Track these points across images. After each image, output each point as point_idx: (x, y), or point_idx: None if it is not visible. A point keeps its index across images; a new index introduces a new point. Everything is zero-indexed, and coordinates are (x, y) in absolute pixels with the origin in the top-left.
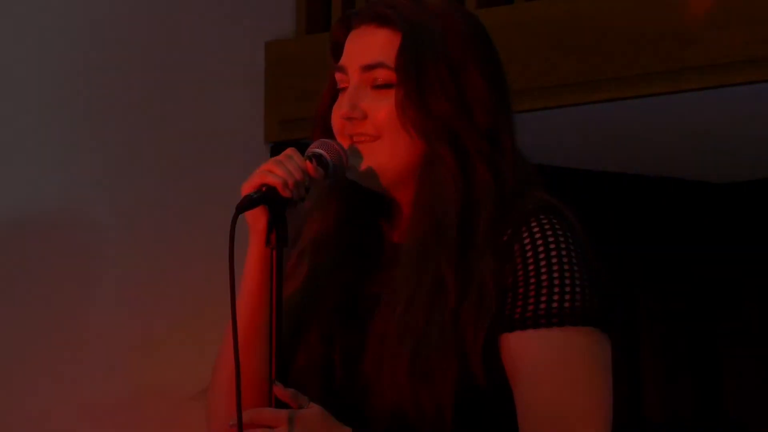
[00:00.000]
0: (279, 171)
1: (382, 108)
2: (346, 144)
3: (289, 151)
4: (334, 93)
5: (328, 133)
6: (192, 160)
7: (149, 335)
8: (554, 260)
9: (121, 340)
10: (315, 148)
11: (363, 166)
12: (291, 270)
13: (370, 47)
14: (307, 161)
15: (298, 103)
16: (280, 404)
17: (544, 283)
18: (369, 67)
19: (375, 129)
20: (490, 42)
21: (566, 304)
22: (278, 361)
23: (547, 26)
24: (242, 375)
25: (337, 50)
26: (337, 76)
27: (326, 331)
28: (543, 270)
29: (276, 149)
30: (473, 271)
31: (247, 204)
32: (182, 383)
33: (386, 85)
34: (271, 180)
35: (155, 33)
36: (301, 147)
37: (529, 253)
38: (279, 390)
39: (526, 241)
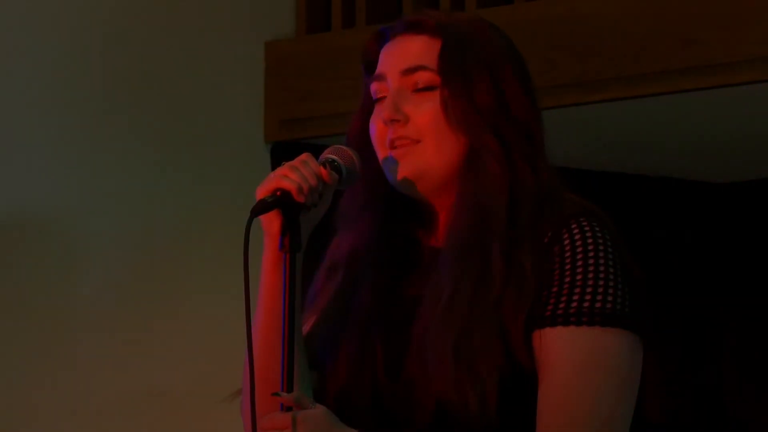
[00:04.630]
0: (294, 176)
1: (425, 111)
2: (385, 153)
3: (304, 156)
4: (369, 108)
5: (364, 148)
6: (192, 160)
7: (145, 334)
8: (591, 261)
9: (114, 339)
10: (329, 154)
11: (405, 173)
12: (322, 285)
13: (408, 53)
14: (322, 167)
15: (298, 103)
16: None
17: (579, 283)
18: (410, 71)
19: (417, 132)
20: (517, 49)
21: (598, 305)
22: (291, 364)
23: (547, 26)
24: (265, 379)
25: (371, 67)
26: (375, 86)
27: (366, 341)
28: (579, 270)
29: (276, 149)
30: (514, 263)
31: (261, 208)
32: (176, 383)
33: (428, 88)
34: (286, 184)
35: (155, 33)
36: (301, 147)
37: (568, 254)
38: (284, 398)
39: (566, 242)
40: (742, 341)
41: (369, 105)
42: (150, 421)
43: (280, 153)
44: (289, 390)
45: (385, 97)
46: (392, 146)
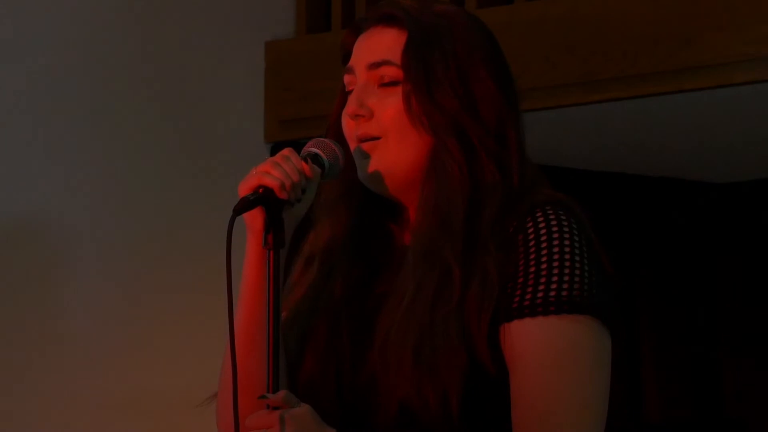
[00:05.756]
0: (276, 172)
1: (389, 105)
2: (354, 147)
3: (286, 151)
4: (345, 98)
5: (341, 139)
6: (192, 160)
7: (137, 337)
8: (555, 249)
9: (106, 343)
10: (311, 148)
11: (370, 170)
12: (298, 276)
13: (376, 46)
14: (303, 162)
15: (298, 103)
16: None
17: (543, 272)
18: (375, 65)
19: (380, 128)
20: (497, 44)
21: (564, 293)
22: (276, 363)
23: (547, 26)
24: (245, 378)
25: (348, 57)
26: (346, 78)
27: (334, 334)
28: (543, 259)
29: (276, 149)
30: (477, 263)
31: (243, 206)
32: (166, 387)
33: (392, 83)
34: (268, 181)
35: (155, 33)
36: (301, 147)
37: (531, 243)
38: (270, 399)
39: (530, 231)
40: (742, 341)
41: (344, 96)
42: (141, 424)
43: None
44: (275, 390)
45: (354, 89)
46: (359, 141)
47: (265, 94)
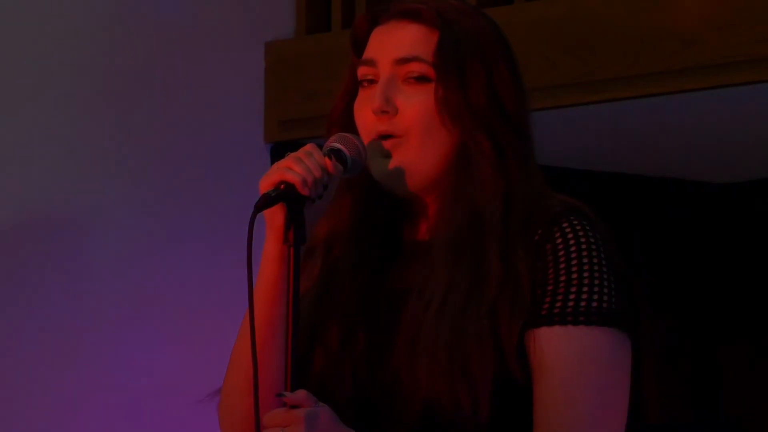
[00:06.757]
0: (298, 168)
1: (416, 104)
2: (369, 141)
3: (309, 147)
4: (353, 89)
5: (347, 130)
6: (192, 160)
7: (148, 335)
8: (585, 260)
9: (118, 340)
10: (333, 143)
11: (390, 168)
12: (301, 268)
13: (403, 41)
14: (326, 158)
15: (298, 103)
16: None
17: (574, 282)
18: (404, 60)
19: (405, 127)
20: (509, 43)
21: (594, 304)
22: (294, 361)
23: (547, 26)
24: (259, 375)
25: (359, 46)
26: (363, 69)
27: (345, 330)
28: (574, 269)
29: (276, 149)
30: (509, 267)
31: (265, 202)
32: (178, 385)
33: (421, 81)
34: (291, 177)
35: (155, 32)
36: (301, 147)
37: (561, 252)
38: (289, 398)
39: (558, 241)
40: (742, 341)
41: (354, 86)
42: (156, 420)
43: (280, 153)
44: (291, 389)
45: (372, 81)
46: (379, 137)
47: (265, 94)
